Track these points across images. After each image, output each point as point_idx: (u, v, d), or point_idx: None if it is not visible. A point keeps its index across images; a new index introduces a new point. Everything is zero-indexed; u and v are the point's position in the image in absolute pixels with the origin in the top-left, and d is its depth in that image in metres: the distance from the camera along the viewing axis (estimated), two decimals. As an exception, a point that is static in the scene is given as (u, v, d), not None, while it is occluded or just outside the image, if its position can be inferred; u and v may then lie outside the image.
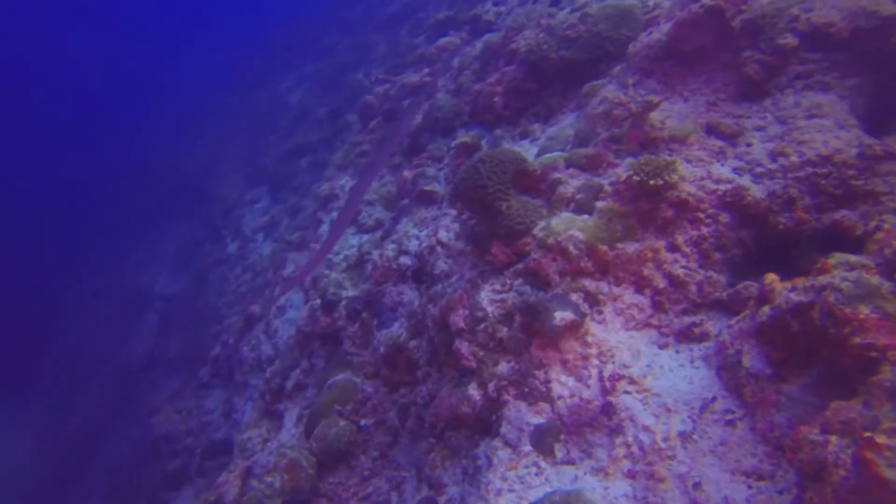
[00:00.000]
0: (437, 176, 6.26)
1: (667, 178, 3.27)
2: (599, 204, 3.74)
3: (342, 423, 4.78)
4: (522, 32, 6.13)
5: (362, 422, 4.84)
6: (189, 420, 9.72)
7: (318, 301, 6.25)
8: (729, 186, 3.24)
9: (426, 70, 9.63)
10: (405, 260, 5.54)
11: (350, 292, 6.12)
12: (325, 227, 8.76)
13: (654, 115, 3.75)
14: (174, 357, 12.16)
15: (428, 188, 6.17)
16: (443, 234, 5.07)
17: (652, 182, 3.30)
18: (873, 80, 3.20)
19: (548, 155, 4.47)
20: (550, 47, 5.09)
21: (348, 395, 5.06)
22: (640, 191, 3.47)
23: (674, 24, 3.99)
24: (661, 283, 3.41)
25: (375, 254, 6.16)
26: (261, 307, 8.90)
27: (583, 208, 3.80)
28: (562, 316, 3.39)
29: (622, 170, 3.80)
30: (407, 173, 6.68)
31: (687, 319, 3.34)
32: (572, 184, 3.93)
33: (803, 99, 3.25)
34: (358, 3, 20.64)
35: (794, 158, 3.04)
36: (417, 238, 5.69)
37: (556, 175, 4.05)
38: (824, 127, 3.05)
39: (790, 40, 3.29)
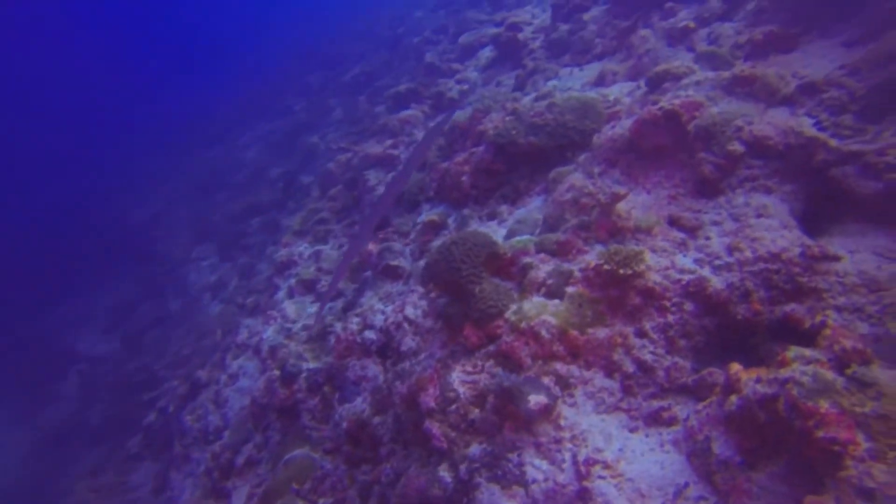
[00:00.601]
0: (403, 251, 6.45)
1: (635, 267, 3.58)
2: (570, 290, 4.00)
3: (299, 503, 4.56)
4: (489, 115, 6.65)
5: (321, 501, 4.64)
6: (107, 500, 8.82)
7: (277, 372, 6.10)
8: (691, 277, 3.57)
9: (389, 141, 10.09)
10: (370, 335, 5.58)
11: (311, 364, 6.04)
12: (281, 293, 8.66)
13: (621, 206, 4.14)
14: (98, 425, 11.18)
15: (394, 263, 6.32)
16: (410, 311, 5.18)
17: (622, 271, 3.60)
18: (804, 187, 3.71)
19: (518, 238, 4.77)
20: (518, 132, 5.56)
21: (306, 473, 4.87)
22: (609, 278, 3.76)
23: (635, 122, 4.51)
24: (629, 367, 3.63)
25: (338, 327, 6.16)
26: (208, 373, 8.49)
27: (553, 293, 4.05)
28: (536, 399, 3.51)
29: (591, 257, 4.11)
30: (372, 246, 6.83)
31: (655, 404, 3.54)
32: (543, 269, 4.20)
33: (751, 199, 3.71)
34: (317, 68, 21.62)
35: (748, 254, 3.42)
36: (383, 313, 5.76)
37: (527, 259, 4.32)
38: (771, 226, 3.48)
39: (737, 147, 3.80)
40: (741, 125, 3.90)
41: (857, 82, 3.74)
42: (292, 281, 8.70)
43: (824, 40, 4.48)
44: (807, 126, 3.71)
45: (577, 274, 4.07)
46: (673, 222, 4.02)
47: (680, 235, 3.90)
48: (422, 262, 5.88)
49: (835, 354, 2.30)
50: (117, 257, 17.04)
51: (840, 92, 3.79)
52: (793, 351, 2.46)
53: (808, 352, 2.44)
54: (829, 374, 2.15)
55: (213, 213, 15.57)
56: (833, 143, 3.55)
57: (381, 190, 8.81)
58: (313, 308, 7.94)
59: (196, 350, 10.56)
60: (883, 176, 3.31)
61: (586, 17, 8.57)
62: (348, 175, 10.04)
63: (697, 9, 6.32)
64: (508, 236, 5.05)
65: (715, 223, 3.79)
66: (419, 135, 9.69)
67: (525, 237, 4.78)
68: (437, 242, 6.02)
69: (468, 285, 4.18)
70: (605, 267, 3.67)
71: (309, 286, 8.46)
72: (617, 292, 3.79)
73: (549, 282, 4.12)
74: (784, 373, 2.30)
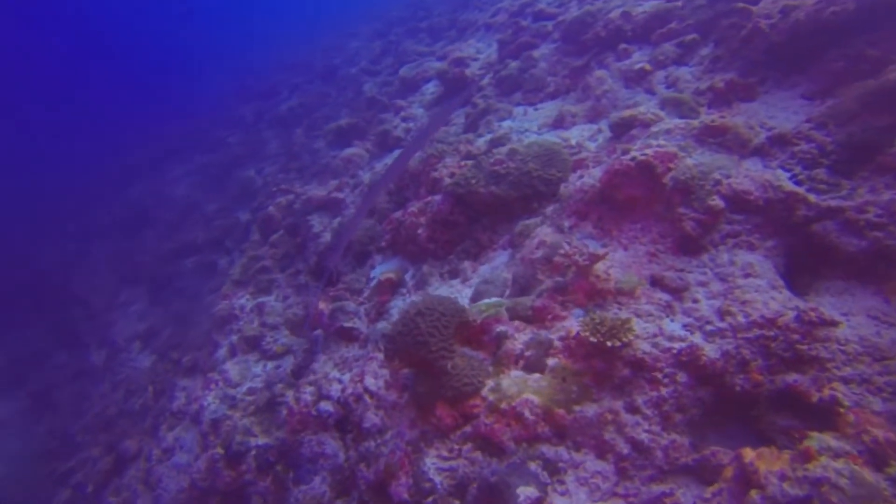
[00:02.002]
0: (357, 312, 6.14)
1: (624, 338, 3.48)
2: (550, 362, 3.86)
3: None
4: (444, 160, 6.57)
5: None
6: None
7: (221, 451, 5.53)
8: (683, 345, 3.52)
9: (334, 183, 9.85)
10: (326, 407, 5.21)
11: (260, 440, 5.56)
12: (221, 352, 8.19)
13: (599, 266, 4.08)
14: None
15: (348, 325, 6.00)
16: (370, 382, 4.89)
17: (610, 343, 3.49)
18: (785, 242, 3.80)
19: (486, 301, 4.61)
20: (478, 181, 5.48)
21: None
22: (593, 349, 3.65)
23: (606, 173, 4.53)
24: (623, 448, 3.49)
25: (290, 396, 5.72)
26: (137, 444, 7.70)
27: (533, 366, 3.89)
28: (525, 493, 3.32)
29: (571, 324, 4.00)
30: (322, 305, 6.48)
31: (656, 489, 3.40)
32: (519, 339, 4.05)
33: (736, 257, 3.76)
34: (252, 99, 21.20)
35: (741, 318, 3.41)
36: (340, 382, 5.44)
37: (501, 328, 4.15)
38: (760, 287, 3.51)
39: (718, 203, 3.86)
40: (719, 178, 3.98)
41: (824, 136, 3.93)
42: (234, 338, 8.33)
43: (782, 91, 4.75)
44: (784, 180, 3.83)
45: (558, 344, 3.95)
46: (656, 283, 4.00)
47: (665, 298, 3.87)
48: (379, 326, 5.62)
49: (866, 447, 2.24)
50: (26, 303, 15.47)
51: (810, 146, 3.96)
52: (815, 440, 2.39)
53: (832, 441, 2.38)
54: (869, 476, 2.07)
55: (141, 253, 14.58)
56: (812, 198, 3.67)
57: (326, 237, 8.54)
58: (259, 368, 7.50)
59: (122, 411, 9.58)
60: (866, 234, 3.43)
61: (536, 54, 8.81)
62: (290, 220, 9.81)
63: (651, 51, 6.62)
64: (475, 298, 4.88)
65: (701, 284, 3.80)
66: (364, 176, 9.52)
67: (494, 300, 4.62)
68: (395, 304, 5.76)
69: (439, 361, 3.95)
70: (591, 339, 3.56)
71: (253, 343, 8.11)
72: (603, 364, 3.68)
73: (528, 353, 3.96)
74: (814, 470, 2.21)
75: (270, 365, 7.77)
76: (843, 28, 4.27)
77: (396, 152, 9.99)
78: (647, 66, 6.33)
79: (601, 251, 4.09)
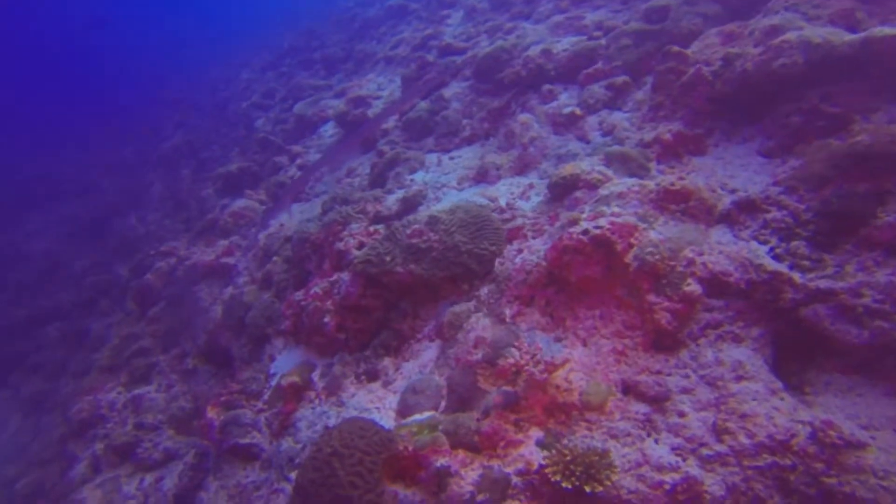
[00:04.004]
0: (256, 423, 5.15)
1: (605, 481, 2.87)
2: (511, 508, 3.16)
3: None
4: (349, 226, 5.83)
5: None
6: None
7: None
8: (677, 478, 2.98)
9: (223, 243, 8.79)
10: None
11: None
12: (79, 468, 7.13)
13: (559, 374, 3.49)
14: None
15: (245, 442, 5.00)
16: None
17: (588, 489, 2.86)
18: (772, 330, 3.43)
19: (417, 420, 3.88)
20: (394, 258, 4.79)
21: None
22: (564, 492, 3.01)
23: (553, 249, 4.02)
24: None
25: None
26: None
27: (489, 516, 3.17)
28: None
29: (530, 451, 3.37)
30: (211, 412, 5.43)
31: None
32: (467, 477, 3.34)
33: (722, 354, 3.33)
34: (130, 137, 19.95)
35: (743, 439, 2.94)
36: None
37: (441, 461, 3.42)
38: (758, 394, 3.08)
39: (695, 288, 3.44)
40: (692, 257, 3.59)
41: (796, 203, 3.69)
42: (98, 447, 7.24)
43: (735, 145, 4.56)
44: (764, 257, 3.49)
45: (517, 482, 3.28)
46: (629, 390, 3.48)
47: (643, 410, 3.35)
48: (284, 446, 4.69)
49: None
50: None
51: (782, 213, 3.70)
52: None
53: None
54: None
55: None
56: (797, 278, 3.36)
57: (216, 311, 7.54)
58: (132, 486, 6.58)
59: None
60: (866, 323, 3.11)
61: (447, 93, 8.40)
62: (172, 289, 8.96)
63: (579, 93, 6.38)
64: (403, 411, 4.13)
65: (685, 391, 3.31)
66: (259, 236, 8.59)
67: (427, 416, 3.90)
68: (301, 415, 4.85)
69: (363, 524, 3.13)
70: (564, 484, 2.91)
71: (123, 453, 7.01)
72: (579, 510, 3.04)
73: (480, 498, 3.24)
74: None
75: (149, 479, 6.68)
76: (794, 81, 4.10)
77: (295, 206, 9.16)
78: (578, 111, 6.05)
79: (560, 357, 3.52)
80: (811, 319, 3.27)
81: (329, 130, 10.58)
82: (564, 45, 7.10)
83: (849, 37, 3.96)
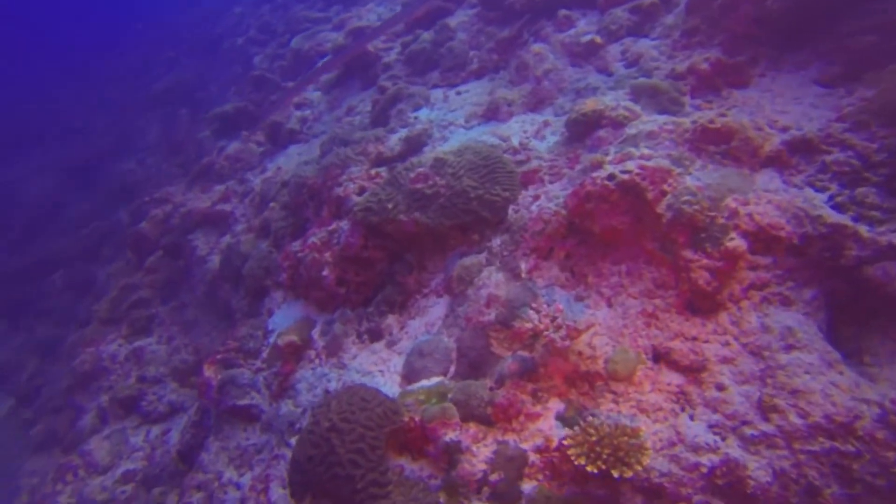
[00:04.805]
0: (255, 383, 4.88)
1: (636, 466, 2.52)
2: (527, 487, 2.87)
3: None
4: (349, 170, 5.34)
5: None
6: None
7: None
8: (715, 460, 2.63)
9: (219, 188, 8.37)
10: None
11: None
12: (87, 419, 7.13)
13: (583, 339, 3.08)
14: None
15: (243, 403, 4.74)
16: (277, 496, 3.76)
17: (616, 472, 2.51)
18: (827, 290, 2.99)
19: (424, 386, 3.53)
20: (397, 205, 4.33)
21: None
22: (588, 475, 2.66)
23: (574, 195, 3.54)
24: None
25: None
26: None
27: (503, 496, 2.86)
28: None
29: (549, 426, 3.02)
30: (208, 370, 5.18)
31: None
32: (479, 454, 3.01)
33: (768, 319, 2.90)
34: (119, 77, 19.36)
35: (794, 419, 2.56)
36: (238, 488, 4.33)
37: (451, 435, 3.08)
38: (812, 367, 2.67)
39: (739, 244, 2.98)
40: (735, 207, 3.10)
41: (866, 142, 3.14)
42: (102, 399, 7.19)
43: (785, 74, 3.95)
44: (823, 207, 2.99)
45: (534, 459, 2.95)
46: (660, 358, 3.08)
47: (676, 381, 2.96)
48: (284, 409, 4.42)
49: None
50: None
51: (846, 155, 3.17)
52: None
53: None
54: None
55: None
56: (864, 231, 2.87)
57: (214, 261, 7.29)
58: (139, 438, 6.63)
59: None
60: (948, 283, 2.63)
61: (452, 23, 7.65)
62: (168, 239, 8.59)
63: (599, 19, 5.69)
64: (409, 375, 3.79)
65: (724, 360, 2.90)
66: (255, 181, 8.12)
67: (435, 383, 3.55)
68: (301, 375, 4.55)
69: (369, 501, 2.83)
70: (589, 468, 2.56)
71: (128, 406, 6.98)
72: (604, 492, 2.71)
73: (494, 478, 2.93)
74: None
75: (155, 431, 6.71)
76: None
77: (292, 148, 8.63)
78: (598, 39, 5.39)
79: (583, 320, 3.10)
80: (879, 279, 2.82)
81: (326, 72, 9.85)
82: (584, -37, 6.31)
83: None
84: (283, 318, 5.30)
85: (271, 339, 5.10)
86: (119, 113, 16.79)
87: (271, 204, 6.99)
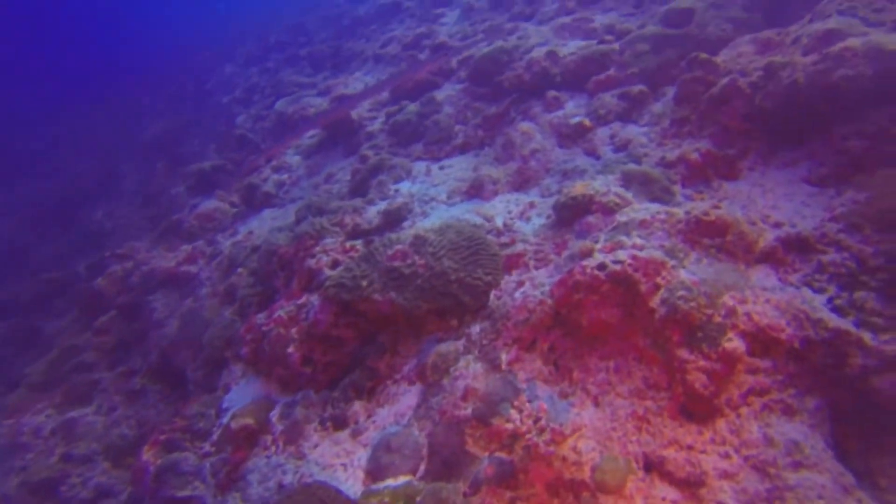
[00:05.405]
0: (200, 470, 4.43)
1: None
2: None
3: None
4: (323, 241, 5.16)
5: None
6: None
7: None
8: None
9: (186, 248, 8.11)
10: None
11: None
12: None
13: (568, 443, 2.85)
14: None
15: (183, 495, 4.28)
16: None
17: None
18: (831, 401, 2.83)
19: (390, 486, 3.23)
20: (372, 283, 4.13)
21: None
22: None
23: (561, 285, 3.40)
24: None
25: None
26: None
27: None
28: None
29: (531, 545, 2.70)
30: (147, 453, 4.71)
31: None
32: (450, 576, 2.65)
33: (770, 430, 2.71)
34: (114, 122, 19.55)
35: (806, 552, 2.29)
36: None
37: (418, 552, 2.74)
38: (825, 491, 2.50)
39: (737, 345, 2.81)
40: (732, 305, 2.97)
41: (861, 244, 3.08)
42: (10, 484, 6.31)
43: (775, 170, 3.99)
44: (822, 309, 2.88)
45: (512, 586, 2.61)
46: (652, 467, 2.83)
47: (671, 497, 2.72)
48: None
49: None
50: None
51: (842, 256, 3.11)
52: None
53: None
54: None
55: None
56: (868, 339, 2.73)
57: (172, 325, 6.91)
58: None
59: None
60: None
61: (439, 96, 7.77)
62: (126, 298, 8.11)
63: (588, 102, 5.80)
64: (374, 472, 3.47)
65: (725, 475, 2.68)
66: (224, 243, 7.89)
67: (402, 483, 3.24)
68: (254, 465, 4.16)
69: None
70: None
71: (43, 491, 6.16)
72: None
73: None
74: None
75: None
76: (857, 97, 3.52)
77: (267, 212, 8.50)
78: (587, 122, 5.45)
79: (570, 423, 2.87)
80: (888, 393, 2.67)
81: (309, 130, 9.90)
82: (571, 48, 6.50)
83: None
84: (241, 396, 4.94)
85: (224, 419, 4.71)
86: (103, 157, 16.74)
87: (239, 269, 6.76)
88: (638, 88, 5.41)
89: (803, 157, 3.87)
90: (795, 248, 3.29)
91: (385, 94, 9.09)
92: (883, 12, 3.86)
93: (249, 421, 4.37)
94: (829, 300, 3.00)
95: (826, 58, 3.57)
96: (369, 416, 3.99)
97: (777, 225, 3.47)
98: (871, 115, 3.49)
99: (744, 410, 2.85)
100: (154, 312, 7.59)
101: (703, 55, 4.64)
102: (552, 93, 6.07)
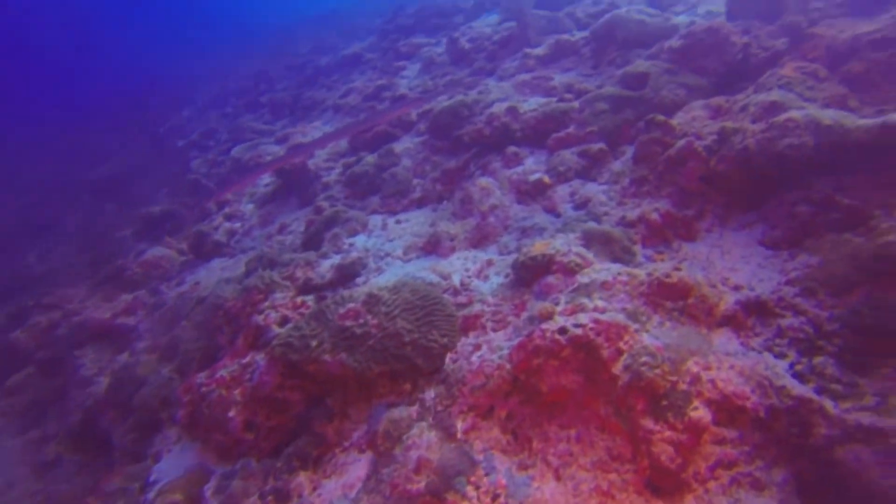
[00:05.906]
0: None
1: None
2: None
3: None
4: (272, 296, 4.97)
5: None
6: None
7: None
8: None
9: (126, 298, 7.71)
10: None
11: None
12: None
13: (527, 524, 2.69)
14: None
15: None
16: None
17: None
18: (796, 472, 2.78)
19: (335, 574, 2.94)
20: (322, 343, 3.96)
21: None
22: None
23: (521, 349, 3.30)
24: None
25: None
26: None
27: None
28: None
29: None
30: None
31: None
32: None
33: (738, 505, 2.59)
34: (61, 159, 19.22)
35: None
36: None
37: None
38: (792, 571, 2.34)
39: (703, 414, 2.75)
40: (697, 372, 2.93)
41: (816, 309, 3.13)
42: None
43: (732, 232, 4.06)
44: (785, 376, 2.86)
45: None
46: (618, 549, 2.68)
47: (638, 582, 2.55)
48: None
49: None
50: None
51: (800, 321, 3.14)
52: None
53: None
54: None
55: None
56: (830, 408, 2.71)
57: (100, 385, 6.43)
58: None
59: None
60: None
61: (398, 148, 7.79)
62: (47, 353, 7.60)
63: (548, 158, 5.88)
64: (313, 557, 3.18)
65: (693, 557, 2.54)
66: (168, 293, 7.56)
67: (347, 569, 2.97)
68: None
69: None
70: None
71: None
72: None
73: None
74: None
75: None
76: (802, 165, 3.64)
77: (216, 261, 8.23)
78: (546, 179, 5.50)
79: (529, 500, 2.72)
80: (852, 465, 2.63)
81: (264, 178, 9.76)
82: (532, 104, 6.65)
83: (863, 121, 3.55)
84: (172, 467, 4.59)
85: (150, 496, 4.34)
86: (45, 197, 16.11)
87: (184, 322, 6.44)
88: (598, 147, 5.53)
89: (758, 219, 3.96)
90: (755, 311, 3.30)
91: (343, 144, 9.08)
92: (814, 90, 4.10)
93: (178, 497, 4.04)
94: (791, 366, 3.00)
95: (772, 126, 3.71)
96: (315, 489, 3.73)
97: (736, 288, 3.49)
98: (816, 182, 3.61)
99: (712, 485, 2.77)
100: (81, 369, 7.11)
101: (660, 117, 4.78)
102: (512, 148, 6.14)
